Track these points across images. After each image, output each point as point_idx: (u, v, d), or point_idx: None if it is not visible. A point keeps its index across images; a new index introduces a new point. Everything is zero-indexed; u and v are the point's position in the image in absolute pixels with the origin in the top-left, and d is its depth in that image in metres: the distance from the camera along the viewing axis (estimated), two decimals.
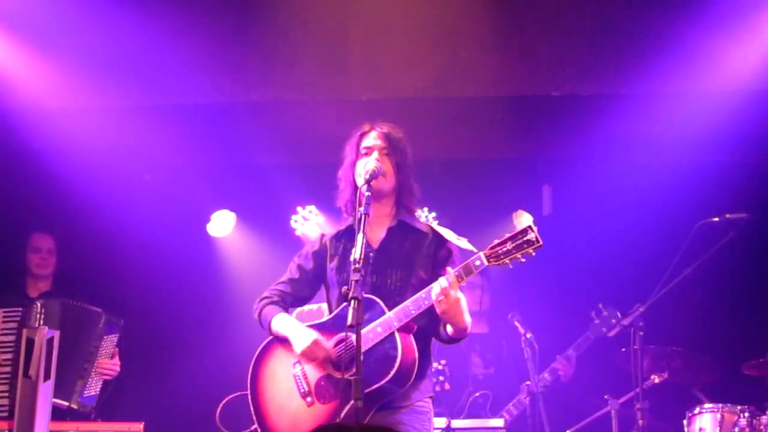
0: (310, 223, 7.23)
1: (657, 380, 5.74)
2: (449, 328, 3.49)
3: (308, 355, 3.59)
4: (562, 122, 6.15)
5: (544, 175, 7.02)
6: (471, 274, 3.40)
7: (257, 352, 3.81)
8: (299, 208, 7.21)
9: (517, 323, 5.94)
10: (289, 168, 6.81)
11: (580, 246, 6.61)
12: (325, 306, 3.95)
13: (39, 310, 5.21)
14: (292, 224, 7.25)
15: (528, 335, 5.81)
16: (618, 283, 6.32)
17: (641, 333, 5.20)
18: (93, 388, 5.28)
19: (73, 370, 5.20)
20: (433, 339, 3.71)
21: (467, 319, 3.43)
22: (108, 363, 5.34)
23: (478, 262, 3.41)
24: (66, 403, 5.15)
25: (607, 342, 5.89)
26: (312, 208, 7.22)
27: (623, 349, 5.59)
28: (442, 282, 3.38)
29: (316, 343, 3.57)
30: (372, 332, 3.46)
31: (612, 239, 6.47)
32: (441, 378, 5.62)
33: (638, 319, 5.24)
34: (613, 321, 5.87)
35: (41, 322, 5.12)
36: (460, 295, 3.37)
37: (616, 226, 6.45)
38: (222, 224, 7.24)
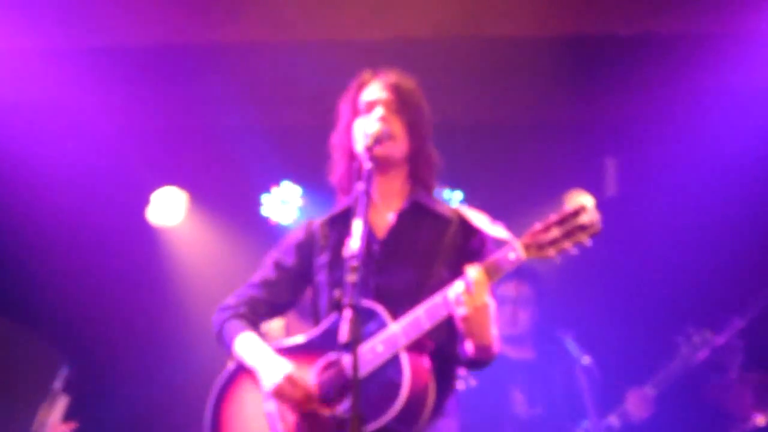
0: (289, 207, 7.28)
1: (762, 422, 5.80)
2: (469, 345, 3.48)
3: (280, 396, 3.61)
4: (631, 73, 6.21)
5: (606, 144, 7.08)
6: (502, 272, 3.38)
7: (219, 383, 3.84)
8: (274, 188, 7.27)
9: (570, 344, 6.01)
10: (261, 132, 6.87)
11: (655, 239, 6.67)
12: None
13: None
14: (263, 211, 7.33)
15: (585, 360, 5.87)
16: (709, 289, 6.37)
17: (739, 357, 5.30)
18: None
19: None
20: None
21: (493, 333, 3.44)
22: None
23: (512, 255, 3.37)
24: None
25: (693, 369, 5.96)
26: (291, 186, 7.28)
27: (715, 379, 5.70)
28: (466, 279, 3.35)
29: (289, 380, 3.57)
30: (371, 352, 3.47)
31: (700, 230, 6.53)
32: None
33: (735, 337, 5.33)
34: (704, 346, 5.98)
35: None
36: (489, 299, 3.36)
37: (706, 213, 6.53)
38: (168, 208, 7.28)
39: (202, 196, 7.31)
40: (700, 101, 6.35)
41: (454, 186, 6.75)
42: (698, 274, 6.58)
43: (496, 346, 3.49)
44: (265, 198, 7.30)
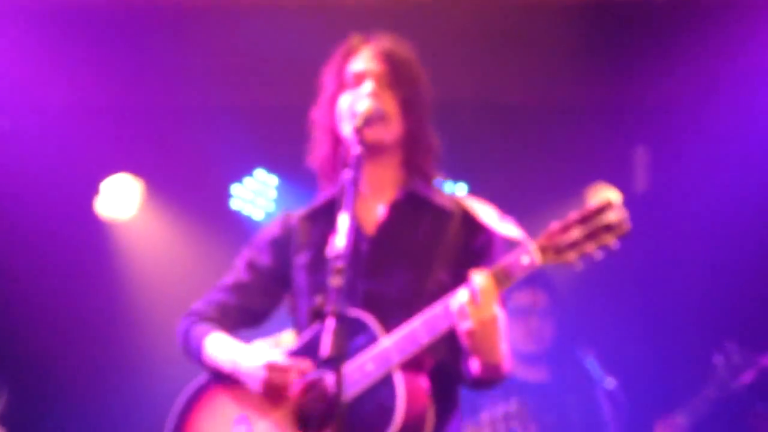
0: (263, 199, 7.29)
1: None
2: (475, 363, 3.48)
3: (272, 389, 3.61)
4: (667, 46, 6.22)
5: (636, 130, 7.07)
6: (514, 279, 3.37)
7: (180, 402, 3.82)
8: (246, 177, 7.27)
9: (590, 364, 6.04)
10: (231, 113, 6.87)
11: (692, 242, 6.71)
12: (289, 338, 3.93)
13: None
14: (233, 203, 7.33)
15: (608, 384, 5.91)
16: (754, 302, 6.43)
17: None
18: None
19: None
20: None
21: (503, 349, 3.44)
22: None
23: (526, 259, 3.36)
24: None
25: (735, 395, 5.98)
26: (266, 175, 7.29)
27: (760, 408, 5.73)
28: (471, 286, 3.36)
29: (271, 366, 3.59)
30: (359, 371, 3.47)
31: (745, 233, 6.56)
32: None
33: None
34: (747, 368, 5.99)
35: None
36: (498, 310, 3.36)
37: (752, 213, 6.54)
38: (120, 199, 7.29)
39: (160, 185, 7.32)
40: (748, 80, 6.38)
41: (456, 178, 6.79)
42: (742, 283, 6.60)
43: (507, 364, 3.50)
44: (234, 189, 7.34)
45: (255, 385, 3.62)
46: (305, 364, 3.59)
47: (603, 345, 6.21)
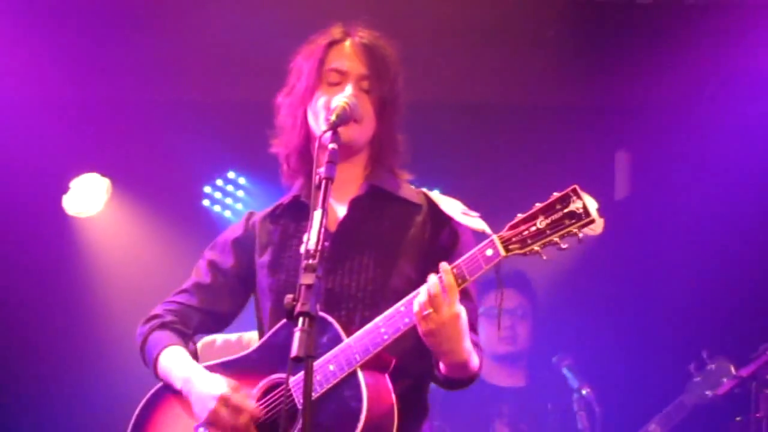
0: (234, 198, 7.26)
1: None
2: (441, 362, 3.48)
3: (216, 424, 3.55)
4: (650, 48, 6.22)
5: (618, 134, 7.06)
6: (478, 272, 3.35)
7: (139, 407, 3.79)
8: (216, 175, 7.26)
9: (566, 371, 6.02)
10: (202, 109, 6.85)
11: (673, 250, 6.69)
12: (253, 336, 3.91)
13: None
14: (204, 202, 7.29)
15: (584, 391, 5.89)
16: (735, 310, 6.42)
17: None
18: None
19: None
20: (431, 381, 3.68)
21: (467, 348, 3.41)
22: None
23: (489, 251, 3.33)
24: None
25: (713, 406, 5.95)
26: (238, 174, 7.27)
27: (738, 419, 5.67)
28: (429, 285, 3.32)
29: (224, 401, 3.53)
30: (321, 372, 3.44)
31: (727, 241, 6.54)
32: None
33: (765, 368, 5.33)
34: (724, 379, 5.94)
35: None
36: (460, 308, 3.33)
37: (735, 221, 6.52)
38: (87, 197, 7.23)
39: (128, 182, 7.30)
40: (733, 85, 6.38)
41: (433, 179, 6.66)
42: (722, 291, 6.60)
43: (474, 362, 3.49)
44: (204, 187, 7.33)
45: (201, 412, 3.58)
46: (259, 409, 3.56)
47: (580, 352, 6.21)
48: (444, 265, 3.34)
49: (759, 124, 6.45)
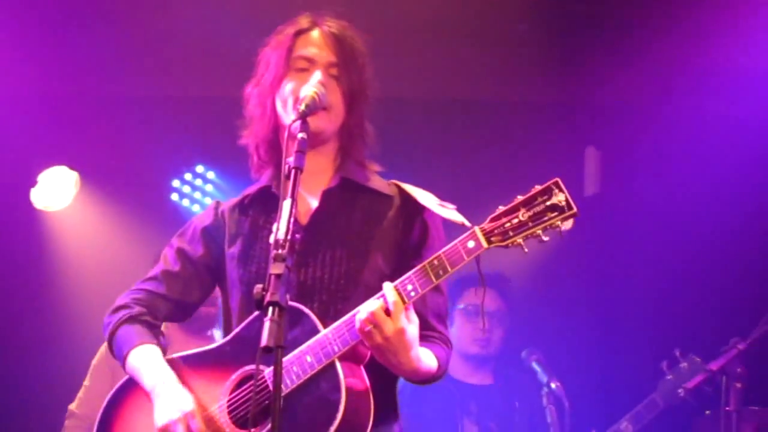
0: (202, 192, 7.27)
1: None
2: None
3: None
4: (621, 43, 6.21)
5: (588, 130, 7.07)
6: (457, 265, 3.36)
7: (108, 397, 3.78)
8: (185, 169, 7.24)
9: (535, 365, 6.02)
10: (171, 104, 6.85)
11: (643, 246, 6.69)
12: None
13: None
14: (172, 196, 7.29)
15: (553, 385, 5.88)
16: (705, 306, 6.42)
17: (738, 385, 5.24)
18: None
19: None
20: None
21: (413, 359, 3.42)
22: None
23: (471, 243, 3.35)
24: None
25: (680, 400, 5.92)
26: (206, 168, 7.26)
27: (708, 412, 5.69)
28: (367, 304, 3.35)
29: (183, 416, 3.52)
30: (297, 363, 3.44)
31: (697, 238, 6.55)
32: None
33: (735, 362, 5.28)
34: (696, 377, 5.88)
35: None
36: (405, 324, 3.34)
37: (705, 218, 6.53)
38: (56, 190, 7.20)
39: (96, 176, 7.27)
40: (700, 82, 6.39)
41: (403, 174, 6.61)
42: (692, 288, 6.62)
43: (425, 368, 3.49)
44: (173, 181, 7.30)
45: (161, 419, 3.56)
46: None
47: (549, 347, 6.19)
48: (387, 285, 3.36)
49: (726, 121, 6.46)
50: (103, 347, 5.62)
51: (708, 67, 6.27)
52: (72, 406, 5.82)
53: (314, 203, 3.72)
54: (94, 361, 5.83)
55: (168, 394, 3.58)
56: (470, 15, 6.14)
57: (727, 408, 5.24)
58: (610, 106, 6.84)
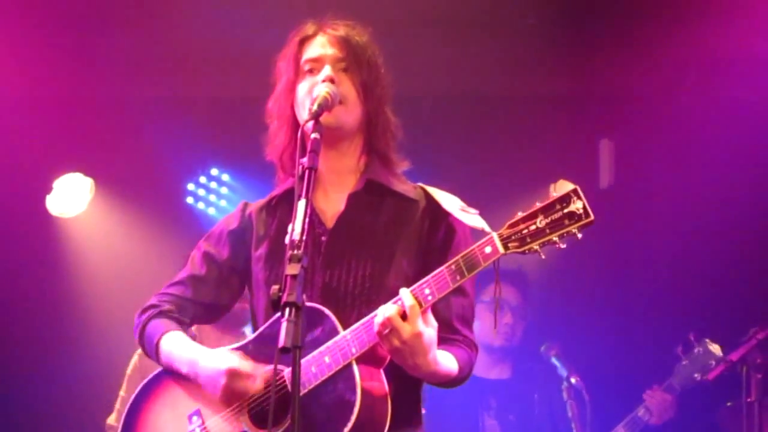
0: (218, 195, 7.26)
1: None
2: None
3: (232, 398, 3.59)
4: (633, 34, 6.21)
5: (602, 122, 7.06)
6: (475, 268, 3.36)
7: (132, 396, 3.80)
8: (200, 172, 7.26)
9: (554, 360, 6.04)
10: (185, 106, 6.84)
11: (657, 238, 6.69)
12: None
13: None
14: (187, 199, 7.30)
15: (573, 380, 5.90)
16: (721, 297, 6.41)
17: (759, 376, 5.26)
18: None
19: None
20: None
21: (431, 362, 3.42)
22: None
23: (488, 249, 3.34)
24: None
25: (702, 391, 5.96)
26: (221, 170, 7.26)
27: (729, 404, 5.71)
28: (384, 309, 3.35)
29: (234, 373, 3.53)
30: (316, 363, 3.45)
31: (712, 228, 6.55)
32: None
33: (755, 352, 5.31)
34: (712, 361, 5.94)
35: None
36: (422, 327, 3.34)
37: (720, 208, 6.52)
38: (71, 197, 7.22)
39: (111, 181, 7.29)
40: (714, 73, 6.37)
41: (416, 174, 6.67)
42: (709, 279, 6.61)
43: (444, 372, 3.50)
44: (188, 184, 7.32)
45: (213, 390, 3.59)
46: (267, 370, 3.55)
47: (568, 341, 6.20)
48: (404, 290, 3.35)
49: (742, 111, 6.43)
50: (135, 356, 5.63)
51: (723, 56, 6.26)
52: (110, 420, 5.77)
53: (340, 206, 3.71)
54: (128, 371, 5.81)
55: (207, 363, 3.61)
56: (480, 7, 6.15)
57: (749, 399, 5.26)
58: (624, 97, 6.82)
